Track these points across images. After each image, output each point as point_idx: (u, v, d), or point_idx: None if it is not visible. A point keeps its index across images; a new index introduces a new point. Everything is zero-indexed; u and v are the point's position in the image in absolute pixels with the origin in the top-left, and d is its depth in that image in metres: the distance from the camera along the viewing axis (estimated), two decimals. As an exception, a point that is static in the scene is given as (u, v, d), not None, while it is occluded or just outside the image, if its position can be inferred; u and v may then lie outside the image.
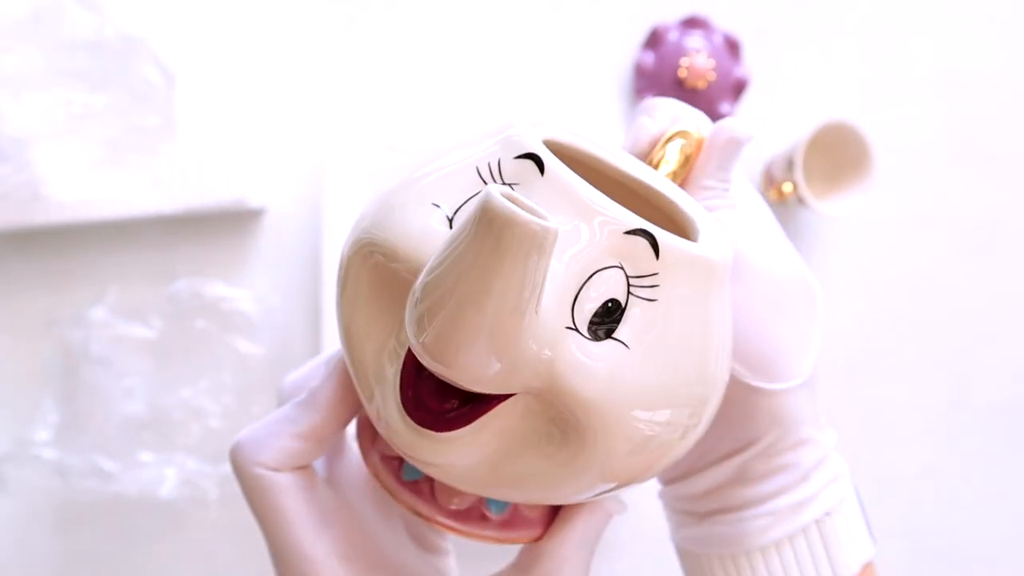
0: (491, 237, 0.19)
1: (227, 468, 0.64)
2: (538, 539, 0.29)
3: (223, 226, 0.65)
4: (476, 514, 0.29)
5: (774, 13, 0.65)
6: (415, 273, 0.22)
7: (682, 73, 0.62)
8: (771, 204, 0.65)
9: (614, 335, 0.23)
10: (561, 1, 0.65)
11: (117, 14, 0.63)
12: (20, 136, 0.63)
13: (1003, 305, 0.66)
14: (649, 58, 0.63)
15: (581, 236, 0.23)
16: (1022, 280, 0.66)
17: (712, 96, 0.63)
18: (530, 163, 0.24)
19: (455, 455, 0.24)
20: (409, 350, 0.23)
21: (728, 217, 0.29)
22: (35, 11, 0.64)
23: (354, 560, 0.28)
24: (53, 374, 0.64)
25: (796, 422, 0.29)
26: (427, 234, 0.23)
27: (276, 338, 0.65)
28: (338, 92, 0.65)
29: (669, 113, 0.30)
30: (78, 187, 0.63)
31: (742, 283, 0.28)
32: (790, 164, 0.59)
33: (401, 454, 0.25)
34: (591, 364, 0.22)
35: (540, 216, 0.19)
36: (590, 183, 0.24)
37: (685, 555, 0.33)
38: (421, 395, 0.23)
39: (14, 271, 0.65)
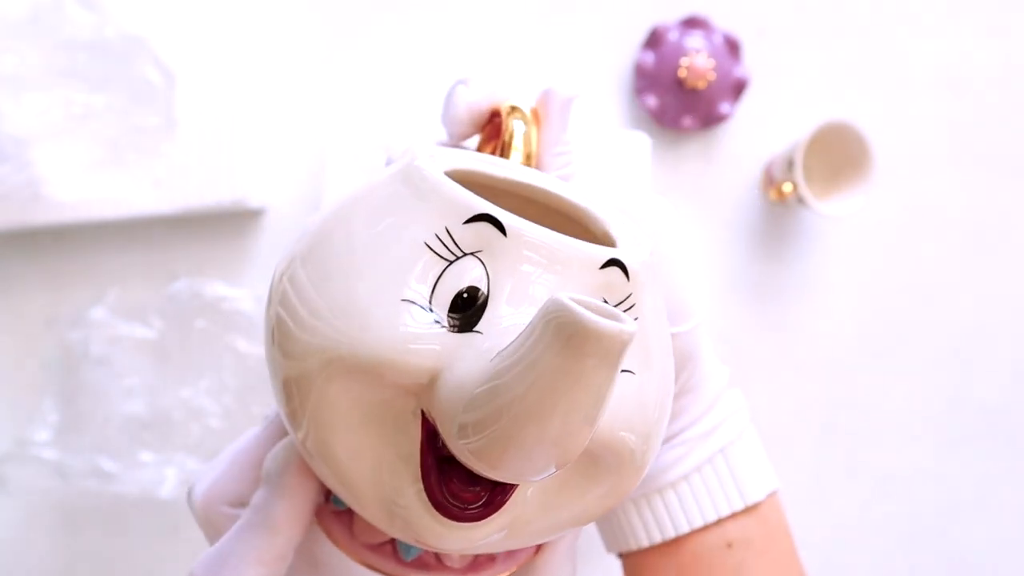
0: (571, 351, 0.18)
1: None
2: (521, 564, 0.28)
3: (223, 226, 0.65)
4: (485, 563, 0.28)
5: (774, 13, 0.65)
6: (408, 385, 0.21)
7: (682, 73, 0.62)
8: (771, 204, 0.65)
9: (624, 368, 0.23)
10: (561, 1, 0.65)
11: (117, 14, 0.63)
12: (20, 136, 0.63)
13: (1003, 305, 0.66)
14: (649, 58, 0.63)
15: (567, 286, 0.23)
16: (1022, 280, 0.66)
17: (712, 96, 0.63)
18: (486, 225, 0.22)
19: (486, 532, 0.23)
20: (423, 448, 0.22)
21: (585, 181, 0.30)
22: (35, 11, 0.64)
23: None
24: (53, 374, 0.64)
25: (700, 358, 0.30)
26: (418, 340, 0.21)
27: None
28: (338, 92, 0.65)
29: (485, 81, 0.31)
30: (78, 187, 0.63)
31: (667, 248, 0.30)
32: (790, 164, 0.59)
33: (424, 546, 0.24)
34: (614, 407, 0.22)
35: (618, 319, 0.18)
36: (494, 203, 0.23)
37: None
38: (449, 491, 0.22)
39: (14, 271, 0.65)
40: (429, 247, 0.22)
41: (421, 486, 0.22)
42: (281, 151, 0.65)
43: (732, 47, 0.64)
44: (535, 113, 0.30)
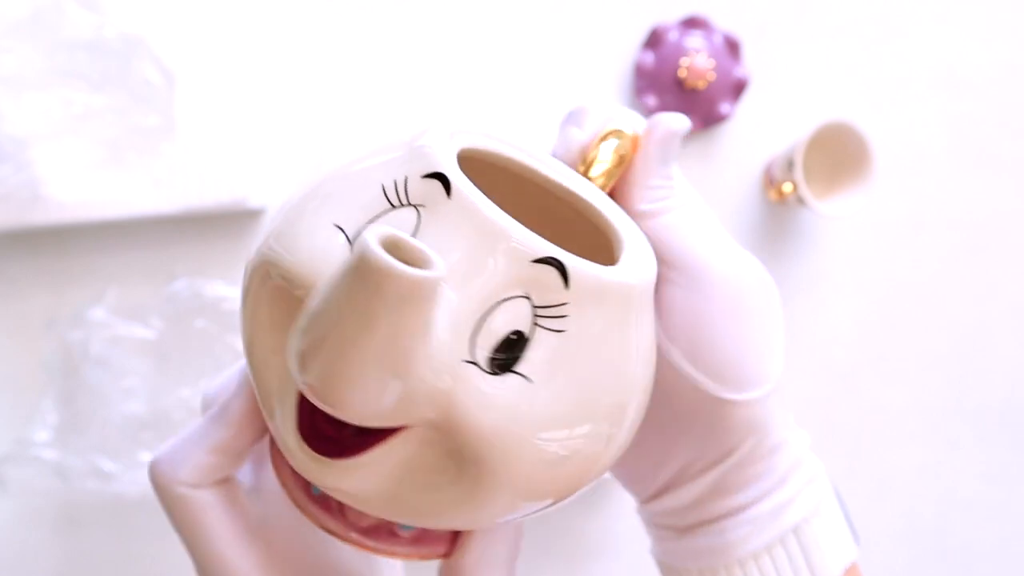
0: (368, 288, 0.19)
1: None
2: (447, 555, 0.28)
3: (223, 226, 0.65)
4: (385, 531, 0.27)
5: (774, 13, 0.66)
6: (303, 298, 0.22)
7: (682, 73, 0.62)
8: (771, 204, 0.65)
9: (515, 369, 0.22)
10: (561, 1, 0.65)
11: (117, 14, 0.63)
12: (20, 136, 0.63)
13: (1003, 305, 0.66)
14: (649, 58, 0.63)
15: (485, 265, 0.22)
16: (1022, 281, 0.66)
17: (712, 96, 0.63)
18: (437, 183, 0.23)
19: (353, 482, 0.23)
20: None
21: (679, 220, 0.28)
22: (35, 11, 0.64)
23: (285, 571, 0.27)
24: (53, 374, 0.64)
25: (770, 428, 0.28)
26: (326, 260, 0.22)
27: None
28: (338, 92, 0.65)
29: (599, 117, 0.29)
30: (78, 187, 0.63)
31: (700, 292, 0.27)
32: (790, 164, 0.59)
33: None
34: (489, 398, 0.21)
35: (424, 261, 0.19)
36: (515, 193, 0.23)
37: (666, 570, 0.32)
38: (317, 422, 0.23)
39: (14, 271, 0.65)
40: (383, 189, 0.23)
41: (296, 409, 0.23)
42: (281, 151, 0.65)
43: (732, 47, 0.64)
44: (635, 140, 0.29)
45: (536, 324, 0.22)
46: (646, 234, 0.27)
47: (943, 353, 0.66)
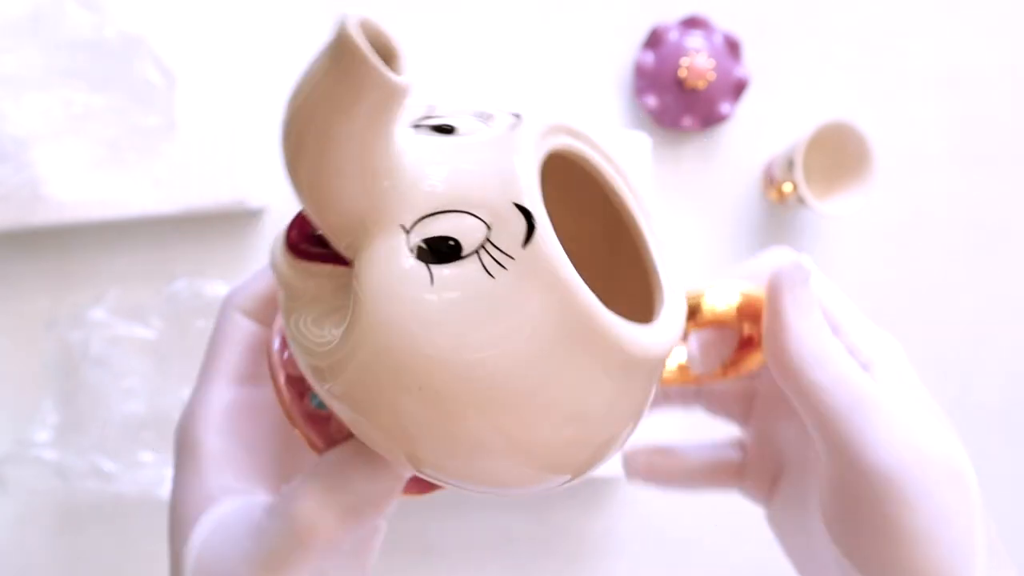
0: (338, 70, 0.19)
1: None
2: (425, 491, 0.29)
3: (223, 226, 0.65)
4: None
5: (774, 13, 0.66)
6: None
7: (682, 73, 0.62)
8: (771, 204, 0.65)
9: (429, 263, 0.21)
10: (561, 1, 0.65)
11: (117, 14, 0.64)
12: (20, 136, 0.63)
13: (1003, 305, 0.66)
14: (649, 58, 0.63)
15: (475, 171, 0.22)
16: (1021, 280, 0.67)
17: (712, 96, 0.63)
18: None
19: (308, 287, 0.23)
20: None
21: (877, 397, 0.24)
22: (34, 11, 0.64)
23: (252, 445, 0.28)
24: (53, 374, 0.64)
25: None
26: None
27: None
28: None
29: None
30: (78, 187, 0.64)
31: (903, 503, 0.24)
32: (790, 164, 0.59)
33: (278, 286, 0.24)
34: (388, 264, 0.21)
35: (396, 58, 0.19)
36: (590, 200, 0.23)
37: None
38: (303, 227, 0.24)
39: (13, 271, 0.65)
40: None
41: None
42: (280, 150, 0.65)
43: (732, 47, 0.64)
44: (754, 301, 0.26)
45: (478, 252, 0.21)
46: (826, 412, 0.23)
47: (943, 353, 0.66)
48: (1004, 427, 0.66)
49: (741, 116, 0.65)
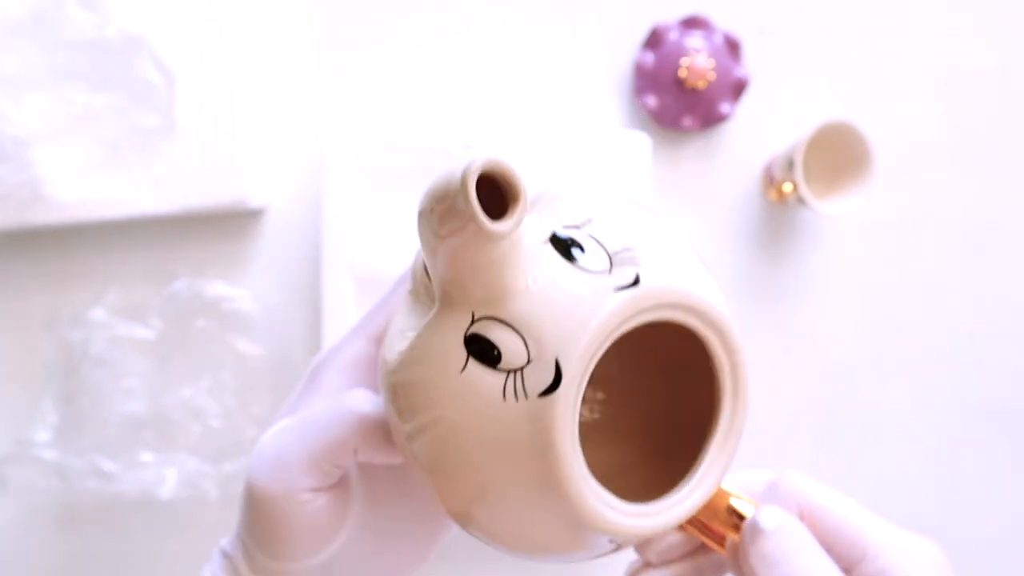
0: (450, 205, 0.22)
1: (228, 468, 0.64)
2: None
3: (223, 226, 0.65)
4: None
5: (774, 13, 0.66)
6: None
7: (682, 73, 0.62)
8: (771, 204, 0.65)
9: (471, 354, 0.24)
10: (561, 1, 0.65)
11: (117, 14, 0.63)
12: (20, 136, 0.63)
13: (1003, 305, 0.66)
14: (649, 58, 0.63)
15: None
16: (1022, 280, 0.67)
17: (712, 96, 0.63)
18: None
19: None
20: None
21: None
22: (35, 11, 0.64)
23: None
24: (53, 374, 0.64)
25: None
26: None
27: (276, 338, 0.65)
28: (337, 91, 0.65)
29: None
30: (78, 187, 0.63)
31: None
32: (790, 164, 0.59)
33: None
34: (446, 332, 0.25)
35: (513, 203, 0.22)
36: (696, 355, 0.25)
37: None
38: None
39: (14, 271, 0.65)
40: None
41: None
42: (280, 151, 0.65)
43: (732, 47, 0.64)
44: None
45: (510, 372, 0.24)
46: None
47: (943, 353, 0.66)
48: (1003, 426, 0.66)
49: (741, 116, 0.65)
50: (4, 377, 0.66)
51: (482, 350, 0.24)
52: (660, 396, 0.30)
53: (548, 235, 0.25)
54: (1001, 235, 0.66)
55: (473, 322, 0.24)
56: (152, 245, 0.65)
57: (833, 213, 0.59)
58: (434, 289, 0.25)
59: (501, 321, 0.24)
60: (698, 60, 0.62)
